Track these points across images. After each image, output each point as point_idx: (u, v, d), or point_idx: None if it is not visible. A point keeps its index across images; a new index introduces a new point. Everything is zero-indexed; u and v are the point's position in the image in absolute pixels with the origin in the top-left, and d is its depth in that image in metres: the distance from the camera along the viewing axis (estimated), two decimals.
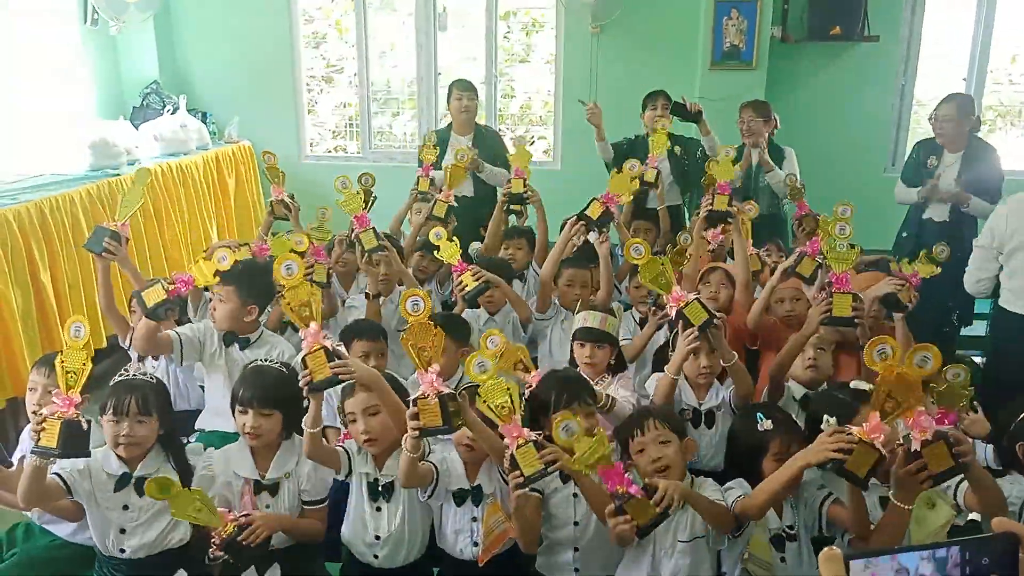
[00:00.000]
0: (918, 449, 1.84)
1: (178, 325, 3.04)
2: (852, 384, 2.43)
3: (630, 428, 2.26)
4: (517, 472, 1.98)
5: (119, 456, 2.31)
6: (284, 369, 2.51)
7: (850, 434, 1.88)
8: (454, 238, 3.22)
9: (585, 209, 3.34)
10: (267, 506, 2.39)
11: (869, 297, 2.95)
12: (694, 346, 2.55)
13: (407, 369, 3.20)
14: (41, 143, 4.96)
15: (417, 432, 2.04)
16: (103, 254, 2.78)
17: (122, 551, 2.32)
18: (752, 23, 5.74)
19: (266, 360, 2.58)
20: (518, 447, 1.99)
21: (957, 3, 6.23)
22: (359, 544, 2.40)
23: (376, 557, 2.38)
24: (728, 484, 2.21)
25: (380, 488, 2.36)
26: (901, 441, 1.89)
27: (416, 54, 6.54)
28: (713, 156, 4.30)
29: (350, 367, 2.19)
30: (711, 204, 3.28)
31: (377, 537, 2.37)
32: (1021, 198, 3.44)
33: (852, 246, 2.70)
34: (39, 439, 2.06)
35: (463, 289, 3.22)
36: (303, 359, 2.17)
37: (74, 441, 2.07)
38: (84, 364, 2.09)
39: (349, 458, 2.38)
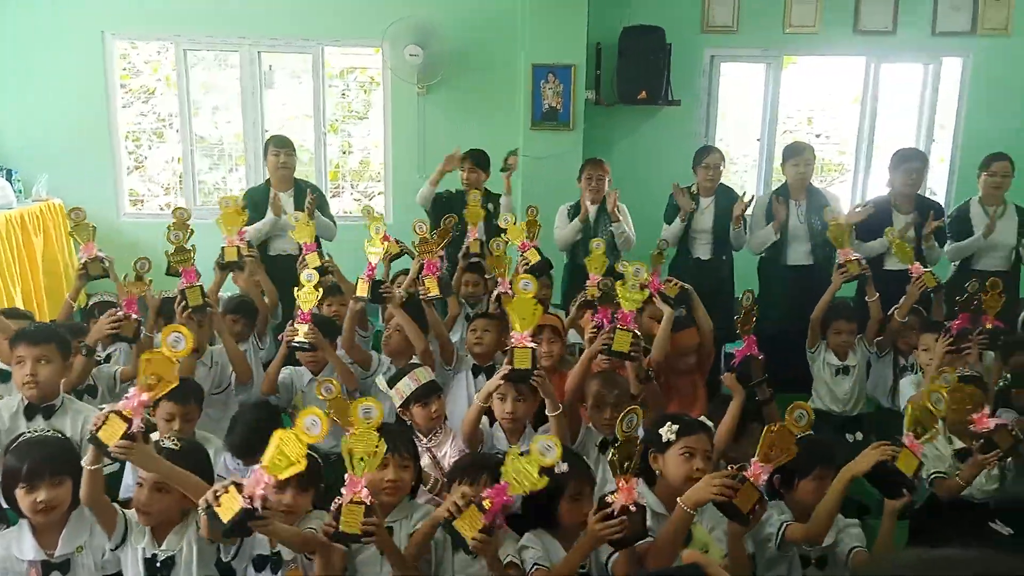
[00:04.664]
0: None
1: None
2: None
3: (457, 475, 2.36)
4: (333, 524, 1.97)
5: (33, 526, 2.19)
6: (60, 434, 2.39)
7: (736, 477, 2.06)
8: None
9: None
10: None
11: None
12: (502, 382, 2.67)
13: (223, 434, 3.12)
14: None
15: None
16: None
17: None
18: (568, 87, 6.11)
19: (48, 431, 2.44)
20: (349, 501, 1.97)
21: (747, 71, 6.90)
22: None
23: None
24: (523, 542, 2.29)
25: (158, 565, 2.24)
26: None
27: (242, 111, 6.49)
28: (504, 212, 4.57)
29: (132, 453, 2.04)
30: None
31: None
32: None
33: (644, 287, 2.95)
34: None
35: (293, 337, 3.20)
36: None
37: None
38: None
39: (126, 525, 2.27)
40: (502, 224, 3.85)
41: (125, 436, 1.98)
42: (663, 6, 6.37)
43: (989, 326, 3.51)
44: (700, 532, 2.26)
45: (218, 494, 1.85)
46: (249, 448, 2.69)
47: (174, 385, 2.06)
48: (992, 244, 4.52)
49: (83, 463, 2.13)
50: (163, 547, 2.25)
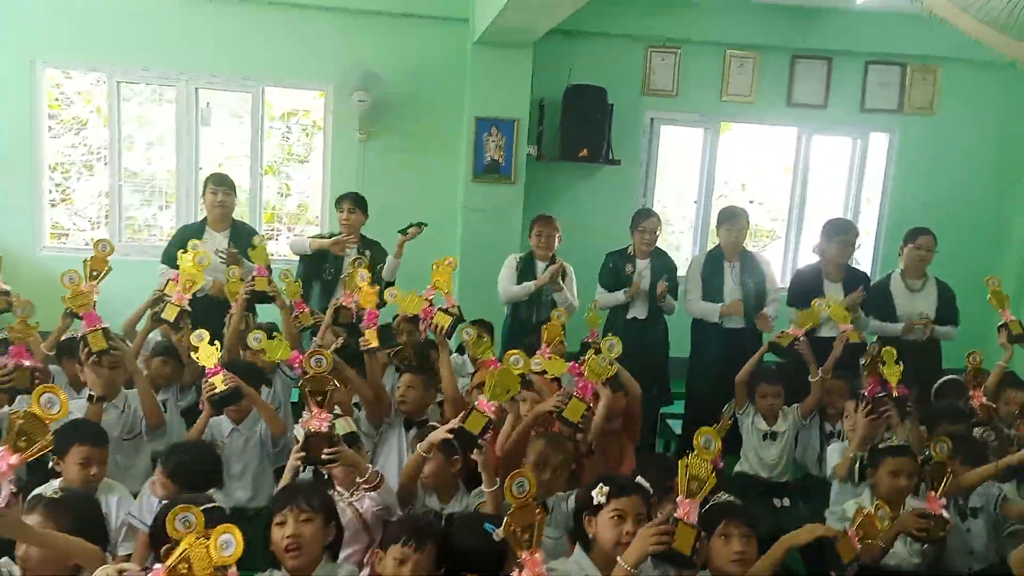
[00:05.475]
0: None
1: None
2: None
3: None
4: None
5: None
6: None
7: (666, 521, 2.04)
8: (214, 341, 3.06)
9: None
10: None
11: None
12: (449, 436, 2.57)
13: (133, 481, 2.98)
14: None
15: None
16: None
17: None
18: (510, 141, 6.16)
19: None
20: None
21: (686, 135, 7.07)
22: None
23: None
24: None
25: None
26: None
27: (176, 147, 6.33)
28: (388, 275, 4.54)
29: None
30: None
31: None
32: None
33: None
34: None
35: (212, 391, 3.04)
36: None
37: None
38: None
39: None
40: (388, 299, 3.56)
41: None
42: (606, 67, 6.51)
43: (895, 395, 3.46)
44: None
45: None
46: (185, 476, 2.70)
47: (47, 447, 1.86)
48: (912, 317, 4.63)
49: None
50: None
